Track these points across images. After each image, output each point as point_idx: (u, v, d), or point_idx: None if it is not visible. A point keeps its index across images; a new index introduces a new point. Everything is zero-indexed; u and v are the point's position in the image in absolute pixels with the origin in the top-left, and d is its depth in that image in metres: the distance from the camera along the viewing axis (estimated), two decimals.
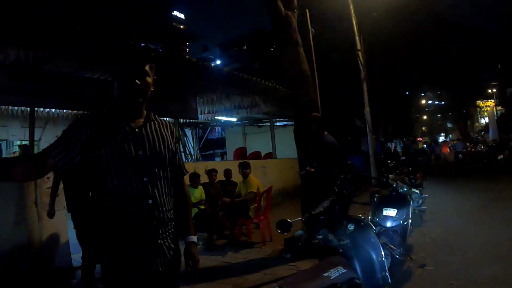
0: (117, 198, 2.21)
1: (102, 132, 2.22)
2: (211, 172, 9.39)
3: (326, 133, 6.44)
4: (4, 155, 14.84)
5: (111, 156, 2.19)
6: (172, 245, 2.41)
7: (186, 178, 8.46)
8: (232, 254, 7.70)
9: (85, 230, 5.69)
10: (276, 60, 9.00)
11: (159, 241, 2.31)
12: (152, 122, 2.44)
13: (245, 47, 41.04)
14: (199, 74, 9.98)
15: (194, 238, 2.62)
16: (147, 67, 2.34)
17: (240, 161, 9.70)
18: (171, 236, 2.41)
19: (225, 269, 6.75)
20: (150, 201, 2.27)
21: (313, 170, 6.39)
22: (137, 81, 2.26)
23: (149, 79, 2.35)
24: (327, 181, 5.89)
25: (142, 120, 2.40)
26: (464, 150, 35.60)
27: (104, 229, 2.25)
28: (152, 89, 2.40)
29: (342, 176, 4.32)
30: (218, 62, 40.54)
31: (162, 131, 2.46)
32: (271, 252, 7.56)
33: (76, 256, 6.54)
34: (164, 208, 2.35)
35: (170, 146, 2.47)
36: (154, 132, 2.40)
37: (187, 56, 13.52)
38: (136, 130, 2.33)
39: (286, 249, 6.83)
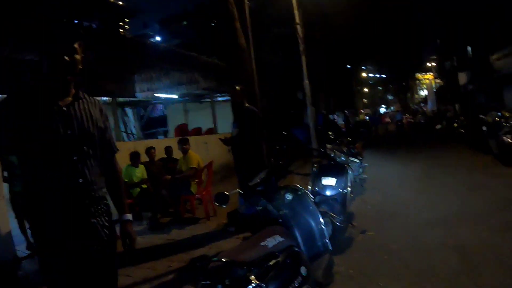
0: (47, 178, 2.15)
1: (27, 113, 2.14)
2: (149, 150, 9.20)
3: (247, 105, 6.55)
4: None
5: (38, 137, 2.13)
6: (106, 223, 2.37)
7: (127, 158, 8.32)
8: (177, 231, 7.64)
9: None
10: (216, 35, 8.88)
11: (92, 220, 2.28)
12: (80, 100, 2.37)
13: (185, 22, 40.22)
14: (136, 51, 9.71)
15: (129, 216, 2.60)
16: (76, 45, 2.27)
17: (179, 137, 9.55)
18: (104, 214, 2.37)
19: (171, 246, 6.70)
20: (81, 180, 2.23)
21: (228, 136, 6.67)
22: (66, 57, 2.19)
23: (78, 57, 2.28)
24: (251, 148, 6.22)
25: (71, 98, 2.32)
26: (402, 119, 36.85)
27: (36, 212, 2.19)
28: (81, 67, 2.31)
29: (277, 147, 4.33)
30: (158, 38, 39.52)
31: (91, 109, 2.40)
32: (216, 226, 7.57)
33: (21, 247, 6.41)
34: (95, 186, 2.31)
35: (99, 124, 2.41)
36: (82, 111, 2.33)
37: (123, 33, 13.09)
38: (64, 108, 2.25)
39: (229, 222, 6.84)
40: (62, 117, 2.21)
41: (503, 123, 11.57)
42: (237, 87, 6.72)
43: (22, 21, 7.12)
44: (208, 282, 2.40)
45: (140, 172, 8.68)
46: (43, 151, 2.14)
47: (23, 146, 2.14)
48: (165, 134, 20.30)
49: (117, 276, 2.57)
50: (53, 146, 2.15)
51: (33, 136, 2.12)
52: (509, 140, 10.71)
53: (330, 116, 31.04)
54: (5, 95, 2.32)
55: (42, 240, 2.21)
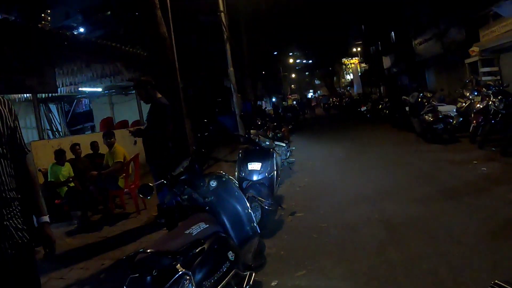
0: None
1: None
2: (74, 147, 8.93)
3: (159, 95, 6.48)
4: None
5: None
6: (19, 225, 2.26)
7: (51, 156, 8.02)
8: (108, 228, 7.50)
9: None
10: (138, 25, 8.71)
11: (5, 223, 2.17)
12: None
13: (109, 12, 38.97)
14: (55, 43, 9.31)
15: (46, 218, 2.49)
16: None
17: (104, 131, 9.32)
18: (17, 216, 2.26)
19: (102, 244, 6.57)
20: None
21: (135, 128, 6.55)
22: None
23: None
24: (161, 138, 6.17)
25: None
26: (329, 103, 37.77)
27: None
28: None
29: (199, 135, 4.36)
30: (82, 30, 38.03)
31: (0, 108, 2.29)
32: (146, 219, 7.52)
33: None
34: (5, 187, 2.21)
35: (9, 123, 2.31)
36: None
37: (42, 25, 12.48)
38: None
39: (160, 214, 6.79)
40: None
41: (425, 103, 12.22)
42: (142, 78, 6.65)
43: None
44: (136, 275, 2.41)
45: (66, 170, 8.41)
46: None
47: None
48: (92, 129, 19.70)
49: (39, 280, 2.46)
50: None
51: None
52: (430, 119, 11.35)
53: (258, 103, 31.32)
54: None
55: None
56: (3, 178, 2.20)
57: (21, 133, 2.49)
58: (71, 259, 5.97)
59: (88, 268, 5.54)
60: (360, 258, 4.38)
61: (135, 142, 6.85)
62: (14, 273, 2.22)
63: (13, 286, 2.23)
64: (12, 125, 2.35)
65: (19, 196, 2.33)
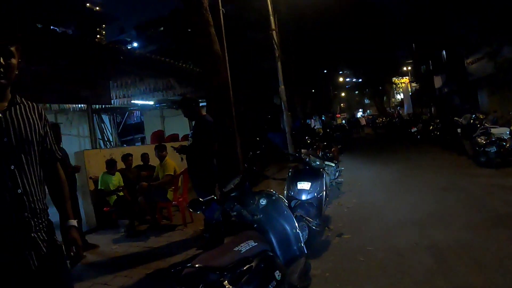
0: None
1: None
2: (126, 157, 9.17)
3: (204, 113, 6.68)
4: None
5: None
6: (46, 237, 2.24)
7: (103, 165, 8.24)
8: (154, 238, 7.61)
9: None
10: (191, 41, 8.89)
11: (33, 235, 2.15)
12: (17, 106, 2.25)
13: (162, 28, 40.10)
14: (111, 57, 9.62)
15: (73, 222, 2.45)
16: (13, 48, 2.16)
17: (156, 144, 9.51)
18: (45, 229, 2.25)
19: (148, 254, 6.65)
20: (19, 191, 2.10)
21: (179, 145, 6.74)
22: (1, 60, 2.10)
23: (14, 61, 2.18)
24: (205, 155, 6.27)
25: (6, 104, 2.21)
26: (378, 122, 37.22)
27: None
28: (17, 72, 2.22)
29: (251, 153, 4.35)
30: (135, 44, 39.29)
31: (29, 114, 2.28)
32: (193, 233, 7.57)
33: None
34: (35, 197, 2.19)
35: (39, 130, 2.31)
36: (20, 116, 2.22)
37: (99, 39, 12.97)
38: (3, 114, 2.15)
39: (206, 228, 6.82)
40: None
41: (477, 125, 11.84)
42: (187, 96, 6.98)
43: None
44: None
45: (116, 180, 8.63)
46: None
47: None
48: (142, 140, 20.18)
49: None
50: None
51: None
52: (483, 142, 10.97)
53: (308, 121, 31.22)
54: None
55: None
56: (32, 188, 2.19)
57: (52, 138, 2.48)
58: (116, 266, 6.12)
59: (132, 276, 5.63)
60: (406, 285, 4.24)
61: (182, 159, 6.92)
62: (40, 284, 2.19)
63: None
64: (42, 131, 2.35)
65: (47, 207, 2.32)
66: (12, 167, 2.09)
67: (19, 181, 2.11)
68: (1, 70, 2.10)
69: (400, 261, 4.95)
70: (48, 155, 2.42)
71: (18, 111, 2.23)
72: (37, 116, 2.33)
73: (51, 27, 9.81)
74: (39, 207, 2.21)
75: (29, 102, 2.35)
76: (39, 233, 2.19)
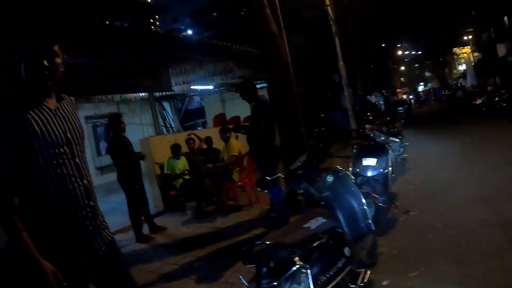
0: (56, 184, 2.06)
1: (26, 121, 2.03)
2: (189, 141, 9.37)
3: (260, 93, 6.73)
4: None
5: (45, 145, 2.04)
6: (105, 223, 2.34)
7: (168, 151, 8.47)
8: (221, 219, 7.78)
9: None
10: (247, 24, 8.90)
11: (97, 222, 2.24)
12: (62, 101, 2.28)
13: (215, 14, 40.40)
14: (169, 45, 9.81)
15: None
16: (56, 47, 2.14)
17: (220, 127, 9.65)
18: (102, 214, 2.34)
19: (215, 234, 6.82)
20: (85, 181, 2.18)
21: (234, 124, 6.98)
22: (45, 62, 2.07)
23: (59, 60, 2.15)
24: (264, 136, 6.29)
25: (55, 100, 2.22)
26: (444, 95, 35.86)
27: (47, 214, 2.08)
28: (62, 69, 2.20)
29: (316, 130, 4.33)
30: (190, 32, 39.74)
31: (71, 108, 2.32)
32: (259, 213, 7.66)
33: None
34: (93, 187, 2.27)
35: (78, 123, 2.31)
36: (67, 111, 2.25)
37: (154, 29, 13.22)
38: (57, 112, 2.18)
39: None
40: (58, 121, 2.15)
41: None
42: (243, 80, 7.14)
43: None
44: (253, 265, 2.44)
45: (182, 164, 8.86)
46: (50, 156, 2.06)
47: (29, 156, 2.02)
48: (204, 125, 20.49)
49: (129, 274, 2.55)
50: (58, 151, 2.09)
51: (41, 144, 2.03)
52: None
53: (368, 97, 30.63)
54: None
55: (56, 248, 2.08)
56: (89, 177, 2.25)
57: None
58: (185, 247, 6.31)
59: (200, 255, 5.80)
60: (477, 262, 4.09)
61: (237, 137, 6.99)
62: (110, 270, 2.31)
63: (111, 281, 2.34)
64: (81, 127, 2.33)
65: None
66: (77, 160, 2.17)
67: (83, 172, 2.19)
68: (46, 72, 2.09)
69: (470, 238, 4.78)
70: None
71: (65, 106, 2.27)
72: (75, 109, 2.37)
73: (107, 22, 10.02)
74: (95, 196, 2.29)
75: (65, 95, 2.36)
76: (102, 220, 2.30)
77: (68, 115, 2.24)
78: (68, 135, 2.16)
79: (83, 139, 2.30)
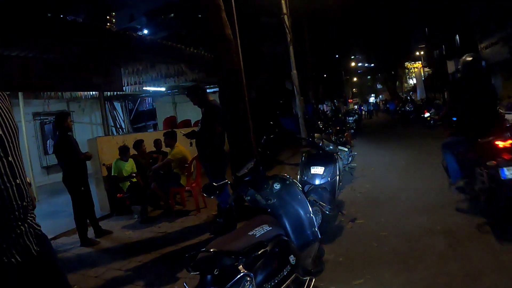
0: None
1: None
2: (139, 143, 9.22)
3: (211, 98, 6.87)
4: None
5: None
6: (38, 224, 2.21)
7: (116, 152, 8.28)
8: (168, 224, 7.66)
9: None
10: (202, 27, 8.84)
11: (30, 221, 2.11)
12: None
13: (172, 14, 40.00)
14: (121, 44, 9.58)
15: None
16: None
17: (164, 131, 9.51)
18: (33, 212, 2.22)
19: (161, 239, 6.72)
20: (18, 181, 2.04)
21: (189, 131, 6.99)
22: None
23: None
24: (214, 141, 6.41)
25: None
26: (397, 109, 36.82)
27: None
28: None
29: (264, 137, 4.33)
30: (146, 31, 39.19)
31: (5, 103, 2.16)
32: (206, 218, 7.61)
33: None
34: (27, 186, 2.13)
35: (13, 122, 2.15)
36: (1, 107, 2.10)
37: (109, 26, 12.94)
38: None
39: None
40: None
41: None
42: (193, 85, 7.25)
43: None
44: (197, 273, 2.40)
45: (129, 166, 8.67)
46: None
47: None
48: (155, 127, 20.27)
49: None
50: None
51: None
52: None
53: (320, 106, 31.09)
54: None
55: None
56: (23, 177, 2.11)
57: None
58: (130, 252, 6.18)
59: (145, 261, 5.68)
60: (420, 270, 4.21)
61: (191, 144, 6.97)
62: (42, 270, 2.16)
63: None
64: (15, 123, 2.18)
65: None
66: (10, 158, 2.03)
67: (16, 171, 2.05)
68: None
69: (414, 246, 4.91)
70: None
71: None
72: (8, 104, 2.20)
73: (61, 15, 9.68)
74: (28, 195, 2.15)
75: None
76: (34, 220, 2.17)
77: (2, 111, 2.08)
78: (0, 132, 2.01)
79: (17, 136, 2.14)
